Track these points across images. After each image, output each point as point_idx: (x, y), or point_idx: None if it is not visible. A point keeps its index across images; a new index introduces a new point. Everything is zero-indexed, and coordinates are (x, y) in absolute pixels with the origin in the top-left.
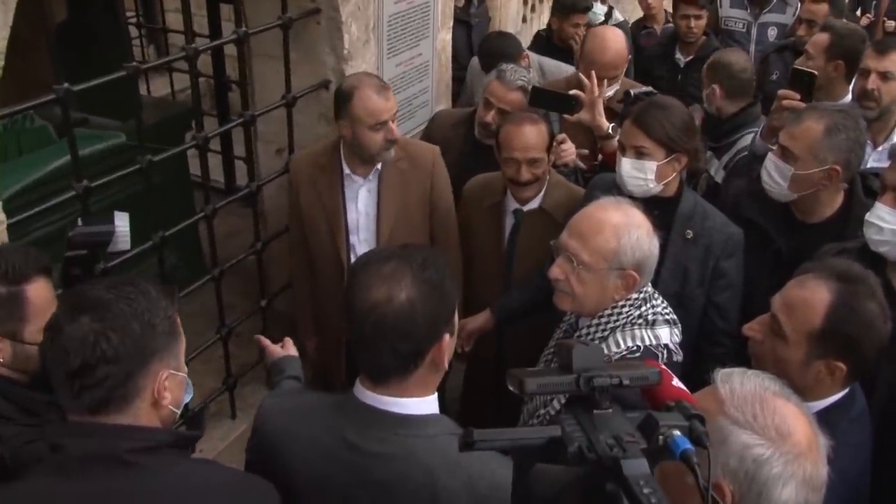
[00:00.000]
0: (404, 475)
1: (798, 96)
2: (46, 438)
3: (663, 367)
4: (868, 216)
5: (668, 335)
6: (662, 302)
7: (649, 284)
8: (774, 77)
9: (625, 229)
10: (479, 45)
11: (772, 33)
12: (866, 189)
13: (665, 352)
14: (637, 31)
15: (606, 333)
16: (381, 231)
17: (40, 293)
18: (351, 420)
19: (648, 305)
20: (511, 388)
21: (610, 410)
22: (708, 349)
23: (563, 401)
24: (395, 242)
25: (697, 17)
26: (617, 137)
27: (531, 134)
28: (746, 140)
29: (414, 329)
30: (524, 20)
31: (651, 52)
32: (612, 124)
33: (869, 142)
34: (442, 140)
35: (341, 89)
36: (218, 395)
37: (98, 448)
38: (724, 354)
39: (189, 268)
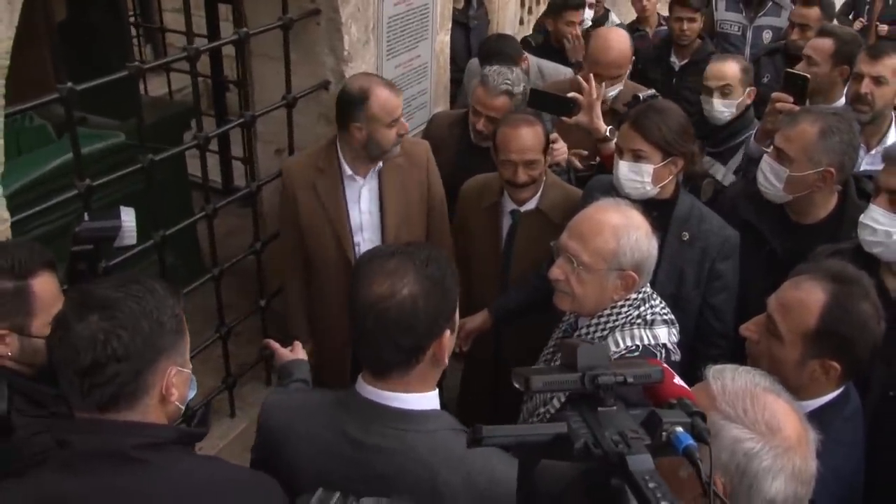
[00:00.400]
0: (405, 469)
1: (791, 99)
2: (54, 434)
3: (665, 365)
4: (862, 218)
5: (666, 335)
6: (661, 302)
7: (648, 285)
8: (766, 80)
9: (624, 230)
10: (479, 47)
11: (767, 36)
12: (860, 191)
13: (663, 351)
14: (630, 34)
15: (605, 333)
16: (387, 229)
17: (46, 287)
18: (352, 415)
19: (647, 305)
20: (517, 386)
21: (614, 408)
22: (703, 350)
23: (562, 399)
24: (400, 240)
25: (691, 20)
26: (615, 140)
27: (527, 136)
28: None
29: (416, 324)
30: (521, 22)
31: (645, 55)
32: (610, 127)
33: (862, 145)
34: (439, 140)
35: (351, 92)
36: (217, 394)
37: (104, 445)
38: (720, 355)
39: (187, 267)
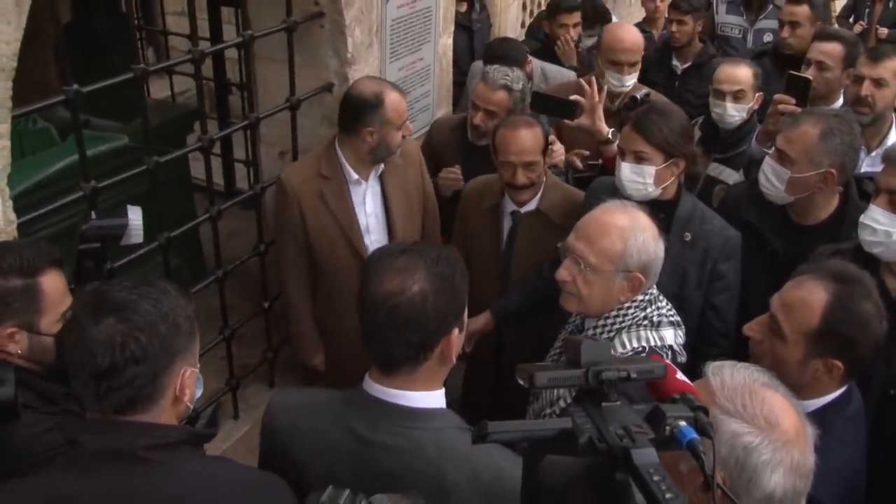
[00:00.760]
0: (411, 467)
1: (793, 101)
2: (64, 433)
3: (668, 361)
4: (862, 218)
5: (672, 336)
6: (667, 304)
7: (654, 286)
8: None
9: (631, 232)
10: (484, 50)
11: (767, 39)
12: (861, 193)
13: (669, 353)
14: None
15: (612, 334)
16: (396, 230)
17: (54, 285)
18: (359, 413)
19: (653, 307)
20: (521, 382)
21: (618, 403)
22: (705, 350)
23: (568, 400)
24: (406, 239)
25: (680, 23)
26: (617, 142)
27: (526, 138)
28: None
29: (425, 320)
30: (523, 25)
31: (647, 58)
32: (612, 129)
33: (863, 147)
34: (441, 145)
35: (365, 96)
36: (221, 396)
37: (115, 445)
38: (722, 355)
39: (190, 269)
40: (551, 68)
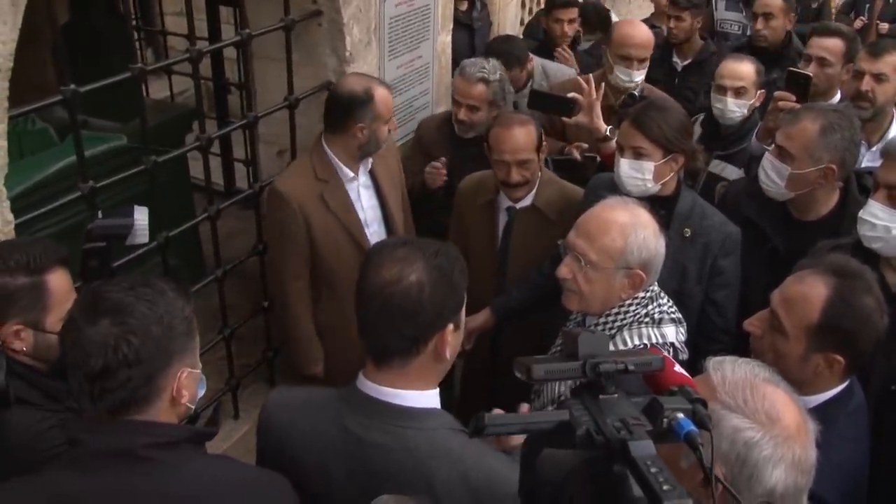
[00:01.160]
0: (403, 467)
1: (794, 98)
2: (66, 432)
3: (665, 354)
4: (861, 213)
5: (674, 333)
6: (668, 301)
7: (655, 283)
8: None
9: (631, 229)
10: (485, 49)
11: None
12: (861, 188)
13: (671, 350)
14: None
15: (613, 332)
16: (393, 219)
17: (60, 283)
18: (353, 411)
19: (655, 304)
20: (518, 375)
21: (616, 395)
22: (706, 346)
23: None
24: (402, 229)
25: (678, 19)
26: (615, 139)
27: (520, 136)
28: None
29: (420, 311)
30: (522, 23)
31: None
32: (610, 126)
33: (863, 142)
34: (430, 142)
35: (356, 93)
36: (220, 396)
37: (116, 444)
38: (722, 351)
39: (189, 269)
40: (552, 66)
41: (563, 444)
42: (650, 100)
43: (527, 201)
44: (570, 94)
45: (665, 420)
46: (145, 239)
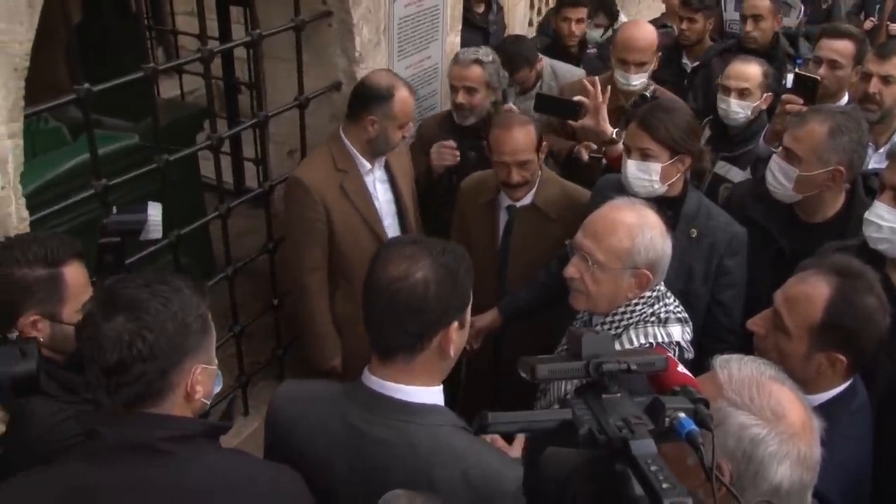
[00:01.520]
0: (403, 462)
1: (801, 101)
2: (82, 424)
3: (669, 354)
4: (867, 215)
5: (679, 333)
6: (674, 300)
7: (662, 283)
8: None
9: (638, 229)
10: (495, 49)
11: None
12: (867, 189)
13: (677, 349)
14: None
15: (620, 331)
16: (409, 217)
17: (76, 275)
18: (357, 406)
19: (661, 304)
20: (523, 375)
21: (618, 395)
22: (711, 346)
23: None
24: (415, 222)
25: (690, 21)
26: (622, 141)
27: (519, 136)
28: None
29: (425, 308)
30: (530, 24)
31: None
32: (616, 129)
33: (871, 143)
34: (431, 138)
35: (378, 86)
36: (231, 394)
37: (132, 437)
38: (728, 351)
39: (200, 267)
40: (561, 66)
41: (566, 442)
42: (658, 101)
43: (527, 200)
44: (576, 98)
45: (667, 419)
46: (159, 234)
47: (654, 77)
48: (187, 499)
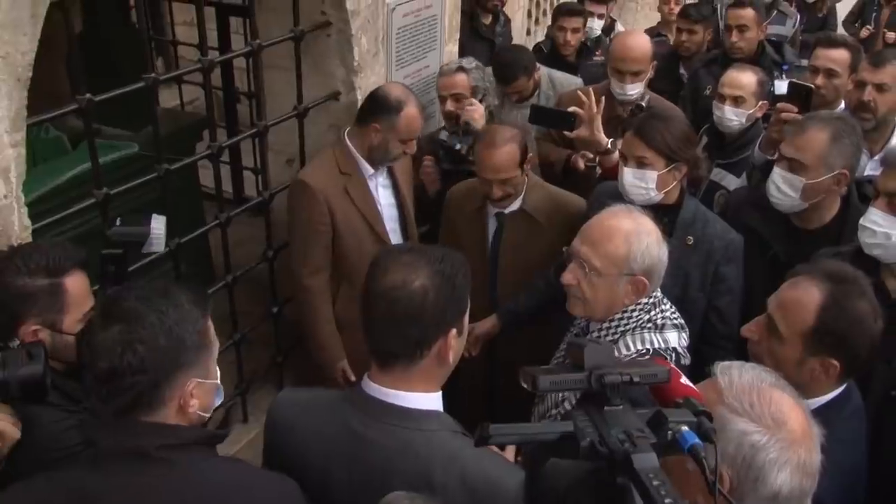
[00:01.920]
0: (401, 467)
1: (796, 109)
2: (82, 432)
3: (671, 365)
4: (862, 220)
5: (676, 339)
6: (671, 306)
7: (658, 289)
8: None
9: (635, 236)
10: (492, 58)
11: None
12: (862, 196)
13: (673, 355)
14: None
15: (616, 337)
16: (411, 223)
17: (78, 285)
18: (356, 411)
19: (658, 310)
20: (524, 385)
21: (620, 407)
22: (709, 352)
23: (573, 402)
24: (415, 228)
25: (690, 32)
26: (617, 151)
27: (501, 157)
28: None
29: (423, 315)
30: (528, 33)
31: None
32: (611, 139)
33: (865, 151)
34: (421, 154)
35: (388, 97)
36: (230, 401)
37: (129, 444)
38: (725, 357)
39: (199, 275)
40: (559, 75)
41: (568, 454)
42: (653, 110)
43: (515, 206)
44: (571, 108)
45: (669, 432)
46: (161, 248)
47: (651, 87)
48: None
